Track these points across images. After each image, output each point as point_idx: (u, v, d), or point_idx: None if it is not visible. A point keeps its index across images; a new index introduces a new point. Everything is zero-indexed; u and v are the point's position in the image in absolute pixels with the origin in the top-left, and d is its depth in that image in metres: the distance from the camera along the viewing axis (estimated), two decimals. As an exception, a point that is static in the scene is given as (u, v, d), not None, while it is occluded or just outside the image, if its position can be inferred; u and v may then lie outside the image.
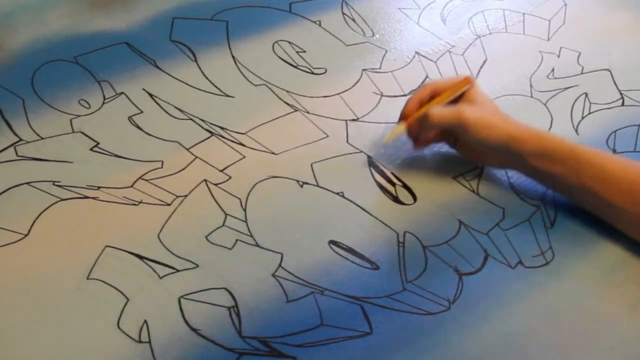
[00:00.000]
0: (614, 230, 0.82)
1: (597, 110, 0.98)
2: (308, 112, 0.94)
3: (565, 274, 0.79)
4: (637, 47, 1.09)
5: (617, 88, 1.01)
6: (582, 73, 1.03)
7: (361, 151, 0.90)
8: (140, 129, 0.90)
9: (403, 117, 0.86)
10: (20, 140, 0.87)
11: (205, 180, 0.84)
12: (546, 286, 0.77)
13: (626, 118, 0.96)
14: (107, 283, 0.74)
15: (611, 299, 0.76)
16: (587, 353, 0.72)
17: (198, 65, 0.99)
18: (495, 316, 0.74)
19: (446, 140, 0.89)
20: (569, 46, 1.08)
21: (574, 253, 0.80)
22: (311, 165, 0.87)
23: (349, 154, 0.89)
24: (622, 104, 0.99)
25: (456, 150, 0.89)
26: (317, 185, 0.85)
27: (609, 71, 1.04)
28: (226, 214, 0.81)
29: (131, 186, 0.83)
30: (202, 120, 0.91)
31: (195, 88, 0.96)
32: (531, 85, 1.01)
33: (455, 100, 0.86)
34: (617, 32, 1.11)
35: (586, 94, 1.00)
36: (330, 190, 0.85)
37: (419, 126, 0.84)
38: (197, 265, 0.76)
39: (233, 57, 1.01)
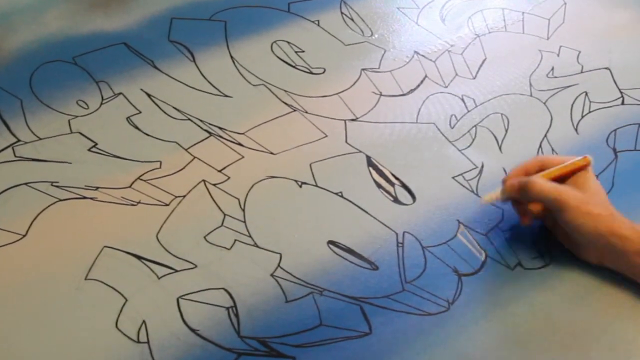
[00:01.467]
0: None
1: (597, 109, 0.98)
2: (307, 112, 0.94)
3: (565, 275, 0.78)
4: (637, 45, 1.08)
5: (617, 87, 1.01)
6: (581, 72, 1.03)
7: (360, 151, 0.89)
8: (139, 129, 0.90)
9: (504, 181, 0.81)
10: (19, 141, 0.87)
11: (203, 181, 0.84)
12: (545, 287, 0.77)
13: (626, 117, 0.96)
14: (105, 283, 0.74)
15: (610, 300, 0.76)
16: (586, 354, 0.72)
17: (196, 65, 0.99)
18: (494, 317, 0.74)
19: (545, 219, 0.82)
20: (568, 45, 1.08)
21: (574, 255, 0.80)
22: (310, 165, 0.87)
23: (348, 153, 0.89)
24: (622, 103, 0.99)
25: (554, 234, 0.82)
26: (316, 185, 0.85)
27: (609, 70, 1.03)
28: (225, 214, 0.81)
29: (129, 186, 0.83)
30: (201, 121, 0.91)
31: (193, 88, 0.96)
32: (531, 85, 1.00)
33: (564, 180, 0.79)
34: (617, 30, 1.11)
35: (586, 93, 0.99)
36: (329, 190, 0.85)
37: (517, 193, 0.79)
38: (196, 266, 0.76)
39: (231, 57, 1.01)
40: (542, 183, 0.76)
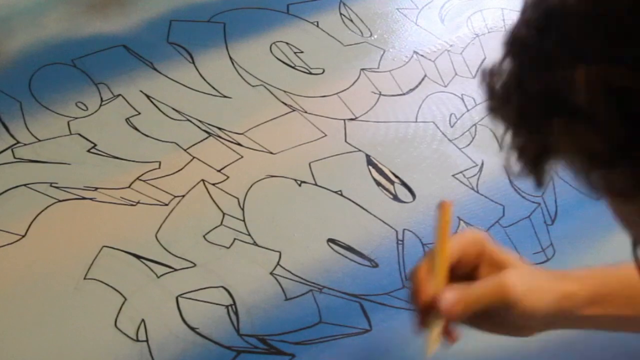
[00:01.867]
0: (614, 226, 0.81)
1: (596, 107, 0.97)
2: (306, 112, 0.94)
3: (566, 270, 0.78)
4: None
5: (617, 85, 1.01)
6: (581, 71, 1.03)
7: (360, 150, 0.89)
8: (138, 130, 0.90)
9: (414, 301, 0.60)
10: (18, 142, 0.87)
11: (203, 180, 0.84)
12: (547, 282, 0.77)
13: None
14: (104, 283, 0.74)
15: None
16: (587, 350, 0.72)
17: (195, 66, 0.99)
18: (495, 313, 0.74)
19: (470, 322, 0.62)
20: (568, 44, 1.07)
21: (575, 250, 0.80)
22: (309, 164, 0.87)
23: (348, 152, 0.89)
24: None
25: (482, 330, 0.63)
26: (316, 184, 0.85)
27: (609, 68, 1.03)
28: (224, 213, 0.81)
29: (129, 187, 0.83)
30: (200, 121, 0.91)
31: (192, 89, 0.96)
32: (530, 84, 1.00)
33: (464, 270, 0.61)
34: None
35: (586, 91, 0.99)
36: (328, 189, 0.85)
37: (462, 312, 0.57)
38: (195, 264, 0.76)
39: (230, 58, 1.01)
40: (464, 298, 0.57)
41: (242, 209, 0.82)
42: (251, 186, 0.84)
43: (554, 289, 0.59)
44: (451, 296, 0.57)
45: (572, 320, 0.62)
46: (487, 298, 0.58)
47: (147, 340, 0.70)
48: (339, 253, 0.78)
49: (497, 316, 0.59)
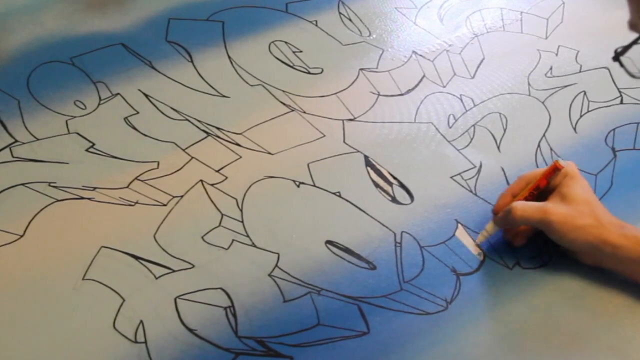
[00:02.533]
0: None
1: (595, 109, 0.97)
2: (305, 112, 0.94)
3: (563, 274, 0.78)
4: (635, 44, 1.08)
5: (616, 86, 1.01)
6: (580, 71, 1.03)
7: (358, 151, 0.89)
8: (136, 129, 0.90)
9: (493, 212, 0.81)
10: (16, 141, 0.87)
11: (201, 181, 0.84)
12: (543, 287, 0.77)
13: (625, 116, 0.96)
14: (102, 284, 0.74)
15: (609, 300, 0.76)
16: (585, 354, 0.72)
17: (194, 65, 0.99)
18: (492, 317, 0.74)
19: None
20: (567, 44, 1.07)
21: (572, 253, 0.80)
22: (308, 165, 0.87)
23: (346, 153, 0.89)
24: (621, 102, 0.99)
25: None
26: (314, 185, 0.85)
27: (608, 69, 1.03)
28: (222, 214, 0.81)
29: (127, 187, 0.83)
30: (198, 121, 0.91)
31: (191, 89, 0.96)
32: (529, 84, 1.00)
33: (548, 193, 0.78)
34: (615, 29, 1.10)
35: (585, 92, 0.99)
36: (327, 190, 0.85)
37: (504, 223, 0.78)
38: (193, 266, 0.76)
39: (229, 57, 1.01)
40: (523, 208, 0.75)
41: (241, 210, 0.82)
42: (250, 187, 0.84)
43: (593, 231, 0.73)
44: (514, 204, 0.76)
45: (620, 267, 0.76)
46: (534, 216, 0.75)
47: (145, 342, 0.70)
48: (337, 255, 0.78)
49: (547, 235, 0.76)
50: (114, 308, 0.72)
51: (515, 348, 0.72)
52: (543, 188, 0.78)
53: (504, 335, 0.73)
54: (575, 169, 0.78)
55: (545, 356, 0.71)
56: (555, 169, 0.77)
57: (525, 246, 0.80)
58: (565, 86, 1.00)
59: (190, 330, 0.71)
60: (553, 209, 0.74)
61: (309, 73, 1.00)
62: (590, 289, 0.77)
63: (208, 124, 0.91)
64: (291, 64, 1.01)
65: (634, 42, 0.69)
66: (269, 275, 0.76)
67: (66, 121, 0.90)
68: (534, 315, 0.74)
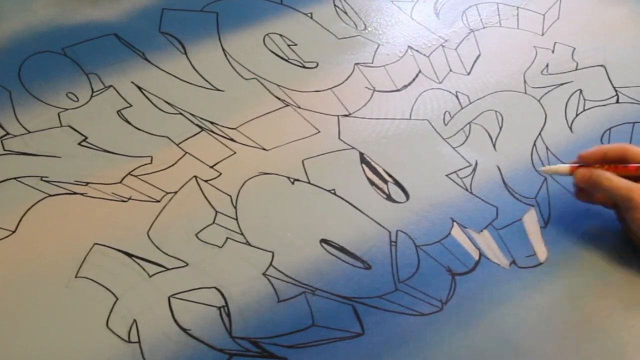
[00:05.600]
0: (609, 229, 0.82)
1: (591, 107, 0.97)
2: (299, 107, 0.93)
3: (559, 275, 0.78)
4: (632, 42, 1.08)
5: (612, 84, 1.00)
6: (576, 69, 1.02)
7: (353, 147, 0.89)
8: (129, 123, 0.89)
9: (578, 157, 0.81)
10: (7, 134, 0.86)
11: (195, 177, 0.83)
12: (540, 286, 0.77)
13: (621, 116, 0.95)
14: (96, 281, 0.73)
15: (605, 300, 0.76)
16: (581, 354, 0.72)
17: (188, 58, 0.98)
18: (488, 317, 0.74)
19: (612, 208, 0.82)
20: (563, 41, 1.07)
21: (568, 253, 0.80)
22: (302, 161, 0.86)
23: (341, 150, 0.88)
24: (617, 101, 0.98)
25: (622, 227, 0.82)
26: (309, 182, 0.84)
27: (604, 67, 1.03)
28: (216, 211, 0.80)
29: (120, 182, 0.82)
30: (192, 115, 0.90)
31: (185, 81, 0.95)
32: (525, 81, 1.00)
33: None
34: (612, 26, 1.10)
35: (580, 91, 0.99)
36: (321, 188, 0.84)
37: (586, 181, 0.79)
38: (187, 264, 0.75)
39: (223, 49, 1.00)
40: (613, 179, 0.76)
41: (235, 207, 0.81)
42: (244, 183, 0.83)
43: None
44: (606, 174, 0.77)
45: None
46: (618, 190, 0.75)
47: (139, 342, 0.69)
48: (332, 254, 0.78)
49: (625, 216, 0.77)
50: (107, 307, 0.72)
51: (510, 349, 0.72)
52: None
53: (500, 335, 0.72)
54: None
55: (540, 357, 0.71)
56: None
57: (522, 245, 0.80)
58: (562, 84, 1.00)
59: (184, 330, 0.70)
60: (638, 190, 0.74)
61: (303, 67, 0.99)
62: (586, 290, 0.77)
63: (202, 118, 0.90)
64: (286, 58, 1.00)
65: None
66: (264, 274, 0.75)
67: (58, 113, 0.89)
68: (529, 316, 0.74)
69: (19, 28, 0.99)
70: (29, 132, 0.86)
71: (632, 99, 0.98)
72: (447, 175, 0.87)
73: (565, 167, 0.82)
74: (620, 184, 0.75)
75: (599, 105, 0.97)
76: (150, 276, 0.74)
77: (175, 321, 0.71)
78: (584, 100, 0.98)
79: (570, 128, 0.94)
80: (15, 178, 0.81)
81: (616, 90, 0.99)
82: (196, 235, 0.78)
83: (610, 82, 1.01)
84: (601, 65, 1.03)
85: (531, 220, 0.83)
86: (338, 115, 0.93)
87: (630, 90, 1.00)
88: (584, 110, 0.97)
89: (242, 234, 0.79)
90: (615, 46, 1.07)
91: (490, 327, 0.73)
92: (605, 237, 0.82)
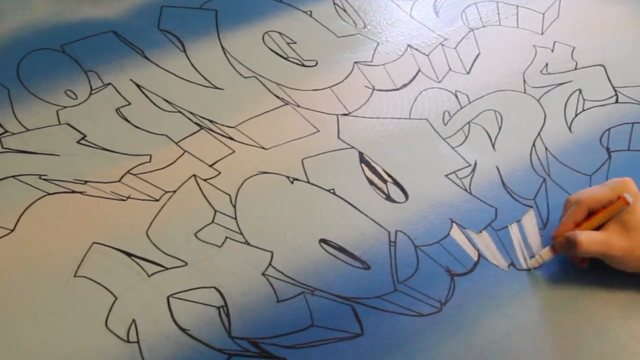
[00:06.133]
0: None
1: (590, 107, 0.97)
2: (298, 106, 0.93)
3: (558, 276, 0.78)
4: (631, 41, 1.08)
5: (612, 84, 1.00)
6: (576, 68, 1.02)
7: (352, 147, 0.88)
8: (128, 121, 0.89)
9: (553, 237, 0.79)
10: (6, 132, 0.85)
11: (194, 176, 0.83)
12: (538, 288, 0.77)
13: (620, 116, 0.95)
14: (94, 281, 0.73)
15: (604, 302, 0.76)
16: (580, 355, 0.72)
17: (187, 55, 0.98)
18: (487, 318, 0.74)
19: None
20: (563, 40, 1.07)
21: (567, 255, 0.80)
22: (302, 160, 0.86)
23: (340, 149, 0.88)
24: (616, 101, 0.98)
25: None
26: (308, 182, 0.84)
27: (603, 67, 1.03)
28: (215, 211, 0.80)
29: (119, 180, 0.82)
30: (191, 113, 0.90)
31: (183, 79, 0.94)
32: (524, 81, 1.00)
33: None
34: (611, 26, 1.10)
35: (580, 91, 0.99)
36: (321, 187, 0.84)
37: (566, 248, 0.76)
38: (186, 263, 0.75)
39: (222, 47, 0.99)
40: (587, 243, 0.74)
41: (234, 207, 0.81)
42: (243, 183, 0.83)
43: None
44: (580, 238, 0.74)
45: None
46: (598, 250, 0.74)
47: (138, 342, 0.69)
48: (331, 254, 0.78)
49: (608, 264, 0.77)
50: (106, 306, 0.72)
51: (509, 350, 0.72)
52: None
53: (498, 336, 0.72)
54: (634, 188, 0.77)
55: (539, 359, 0.71)
56: (621, 206, 0.75)
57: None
58: (561, 84, 1.00)
59: (183, 330, 0.70)
60: (615, 243, 0.74)
61: (303, 65, 0.99)
62: (585, 292, 0.77)
63: (201, 117, 0.90)
64: (285, 56, 1.00)
65: None
66: (263, 274, 0.75)
67: (57, 111, 0.89)
68: (528, 317, 0.74)
69: (17, 26, 0.99)
70: (28, 130, 0.86)
71: (632, 99, 0.98)
72: (446, 176, 0.87)
73: (546, 251, 0.79)
74: (595, 245, 0.74)
75: (598, 105, 0.97)
76: (149, 276, 0.74)
77: (174, 321, 0.71)
78: (584, 100, 0.98)
79: (570, 128, 0.94)
80: (13, 176, 0.81)
81: (615, 90, 0.99)
82: (195, 234, 0.78)
83: (610, 81, 1.01)
84: (601, 65, 1.03)
85: (530, 222, 0.83)
86: (337, 114, 0.92)
87: (629, 90, 0.99)
88: (583, 110, 0.96)
89: (241, 233, 0.78)
90: (614, 45, 1.07)
91: (489, 328, 0.73)
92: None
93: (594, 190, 0.78)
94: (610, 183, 0.78)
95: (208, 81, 0.95)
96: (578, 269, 0.79)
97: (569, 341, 0.73)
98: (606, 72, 1.02)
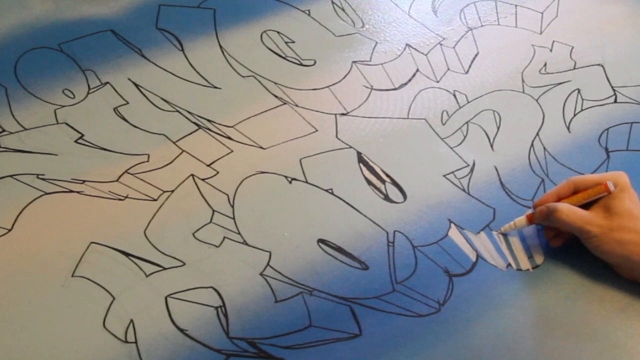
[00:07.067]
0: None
1: (589, 107, 0.97)
2: (297, 105, 0.93)
3: (556, 276, 0.78)
4: (630, 41, 1.08)
5: (610, 84, 1.00)
6: (574, 68, 1.02)
7: (351, 147, 0.88)
8: (126, 120, 0.88)
9: (534, 206, 0.82)
10: (4, 131, 0.85)
11: (192, 175, 0.83)
12: (537, 288, 0.77)
13: (618, 115, 0.95)
14: (92, 281, 0.73)
15: (602, 302, 0.76)
16: (577, 356, 0.72)
17: (185, 54, 0.97)
18: (485, 318, 0.74)
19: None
20: (561, 40, 1.07)
21: (565, 255, 0.80)
22: (300, 160, 0.86)
23: (339, 149, 0.88)
24: (615, 101, 0.98)
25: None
26: (306, 182, 0.84)
27: (602, 66, 1.03)
28: (214, 210, 0.80)
29: (117, 180, 0.82)
30: (189, 113, 0.90)
31: (181, 79, 0.94)
32: (523, 80, 1.00)
33: (596, 201, 0.78)
34: (610, 25, 1.10)
35: (579, 90, 0.99)
36: (319, 187, 0.84)
37: (544, 218, 0.79)
38: (184, 263, 0.75)
39: (220, 46, 0.99)
40: (567, 212, 0.76)
41: (232, 206, 0.81)
42: (241, 182, 0.83)
43: (635, 250, 0.73)
44: (562, 206, 0.77)
45: None
46: (576, 223, 0.75)
47: (136, 342, 0.69)
48: (329, 254, 0.78)
49: (584, 243, 0.77)
50: (104, 306, 0.71)
51: (507, 350, 0.72)
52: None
53: (496, 337, 0.72)
54: (626, 180, 0.78)
55: (537, 359, 0.71)
56: (601, 191, 0.77)
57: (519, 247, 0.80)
58: (559, 83, 1.00)
59: (181, 330, 0.70)
60: (593, 220, 0.75)
61: (301, 65, 0.98)
62: (583, 292, 0.77)
63: (199, 116, 0.90)
64: (283, 55, 0.99)
65: None
66: (261, 274, 0.75)
67: (55, 110, 0.88)
68: (526, 318, 0.74)
69: (15, 24, 0.98)
70: (25, 129, 0.86)
71: (631, 99, 0.98)
72: (444, 176, 0.87)
73: (521, 219, 0.81)
74: (573, 216, 0.76)
75: (597, 105, 0.97)
76: (147, 276, 0.74)
77: (172, 321, 0.71)
78: (582, 99, 0.98)
79: (568, 128, 0.94)
80: (11, 176, 0.81)
81: (614, 90, 0.99)
82: (193, 234, 0.78)
83: (609, 81, 1.01)
84: (599, 65, 1.03)
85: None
86: (335, 114, 0.92)
87: (628, 89, 0.99)
88: (582, 109, 0.96)
89: (239, 233, 0.78)
90: (613, 45, 1.07)
91: (487, 328, 0.73)
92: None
93: (590, 174, 0.81)
94: (607, 173, 0.80)
95: (206, 80, 0.94)
96: (549, 246, 0.81)
97: (566, 342, 0.73)
98: (605, 71, 1.02)
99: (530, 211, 0.82)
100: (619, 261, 0.76)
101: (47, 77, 0.92)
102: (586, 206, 0.78)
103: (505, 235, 0.82)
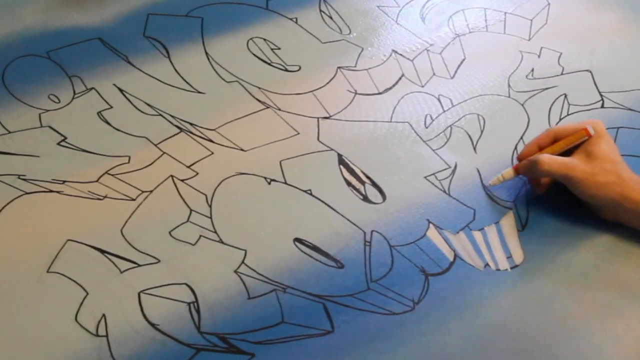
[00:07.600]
0: (585, 234, 0.81)
1: (576, 112, 0.96)
2: (280, 109, 0.93)
3: (534, 277, 0.78)
4: (619, 48, 1.07)
5: (598, 89, 1.00)
6: (562, 74, 1.02)
7: (331, 149, 0.88)
8: (109, 124, 0.89)
9: (518, 158, 0.86)
10: (-13, 134, 0.86)
11: (171, 176, 0.84)
12: (515, 289, 0.76)
13: (605, 120, 0.93)
14: (67, 277, 0.74)
15: (580, 303, 0.75)
16: (554, 356, 0.71)
17: (171, 61, 0.98)
18: (460, 317, 0.74)
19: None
20: (550, 46, 1.06)
21: (545, 256, 0.79)
22: (280, 162, 0.86)
23: (320, 151, 0.88)
24: (602, 106, 0.98)
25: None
26: (285, 183, 0.84)
27: (590, 72, 1.02)
28: (191, 210, 0.80)
29: (96, 181, 0.83)
30: (172, 116, 0.90)
31: (166, 84, 0.95)
32: (509, 85, 0.99)
33: (576, 148, 0.81)
34: (599, 32, 1.10)
35: (565, 95, 0.98)
36: (297, 188, 0.84)
37: (528, 171, 0.82)
38: (159, 261, 0.75)
39: (206, 53, 1.00)
40: (549, 162, 0.79)
41: (210, 206, 0.81)
42: (220, 183, 0.84)
43: (614, 188, 0.77)
44: (541, 157, 0.80)
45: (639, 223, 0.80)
46: (559, 171, 0.79)
47: (106, 336, 0.69)
48: (305, 253, 0.78)
49: (569, 189, 0.80)
50: (76, 301, 0.72)
51: (482, 350, 0.71)
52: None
53: (471, 336, 0.72)
54: (602, 127, 0.81)
55: (512, 358, 0.71)
56: (584, 136, 0.81)
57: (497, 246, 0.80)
58: (546, 88, 0.99)
59: (153, 324, 0.70)
60: (577, 166, 0.79)
61: (286, 70, 0.99)
62: (560, 293, 0.76)
63: (181, 120, 0.90)
64: (269, 61, 1.00)
65: None
66: (235, 271, 0.75)
67: (39, 115, 0.89)
68: (502, 317, 0.74)
69: (4, 33, 1.00)
70: (9, 132, 0.87)
71: (618, 104, 0.98)
72: (425, 177, 0.87)
73: (509, 170, 0.84)
74: (556, 165, 0.79)
75: (584, 110, 0.97)
76: (121, 272, 0.74)
77: (144, 316, 0.71)
78: (569, 104, 0.97)
79: (553, 131, 0.93)
80: (-8, 176, 0.82)
81: (602, 95, 0.99)
82: (170, 232, 0.78)
83: (596, 87, 1.00)
84: (587, 71, 1.03)
85: (509, 223, 0.83)
86: (318, 118, 0.92)
87: (616, 95, 0.99)
88: (568, 114, 0.96)
89: (215, 232, 0.79)
90: (602, 51, 1.06)
91: (463, 327, 0.73)
92: (582, 242, 0.81)
93: (567, 123, 0.85)
94: (583, 121, 0.83)
95: (190, 85, 0.95)
96: (535, 194, 0.85)
97: (542, 342, 0.72)
98: (593, 77, 1.02)
99: (516, 162, 0.84)
100: (602, 203, 0.79)
101: (34, 83, 0.93)
102: (566, 154, 0.81)
103: (484, 233, 0.82)
